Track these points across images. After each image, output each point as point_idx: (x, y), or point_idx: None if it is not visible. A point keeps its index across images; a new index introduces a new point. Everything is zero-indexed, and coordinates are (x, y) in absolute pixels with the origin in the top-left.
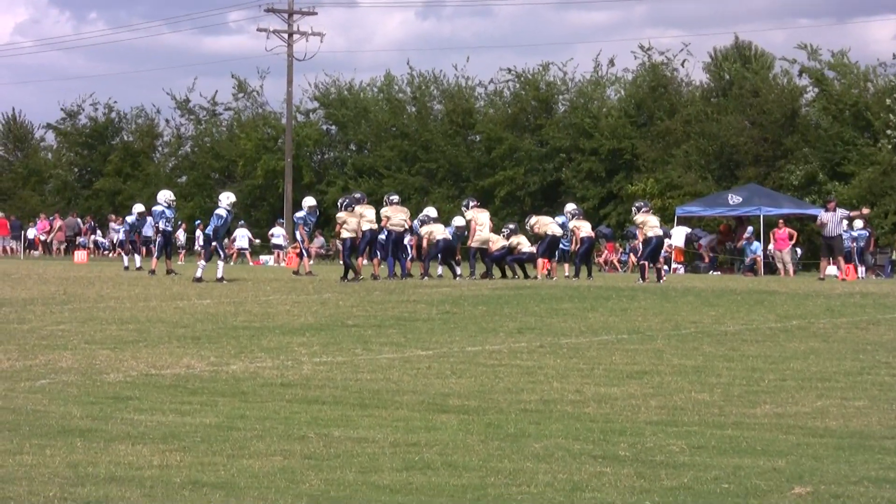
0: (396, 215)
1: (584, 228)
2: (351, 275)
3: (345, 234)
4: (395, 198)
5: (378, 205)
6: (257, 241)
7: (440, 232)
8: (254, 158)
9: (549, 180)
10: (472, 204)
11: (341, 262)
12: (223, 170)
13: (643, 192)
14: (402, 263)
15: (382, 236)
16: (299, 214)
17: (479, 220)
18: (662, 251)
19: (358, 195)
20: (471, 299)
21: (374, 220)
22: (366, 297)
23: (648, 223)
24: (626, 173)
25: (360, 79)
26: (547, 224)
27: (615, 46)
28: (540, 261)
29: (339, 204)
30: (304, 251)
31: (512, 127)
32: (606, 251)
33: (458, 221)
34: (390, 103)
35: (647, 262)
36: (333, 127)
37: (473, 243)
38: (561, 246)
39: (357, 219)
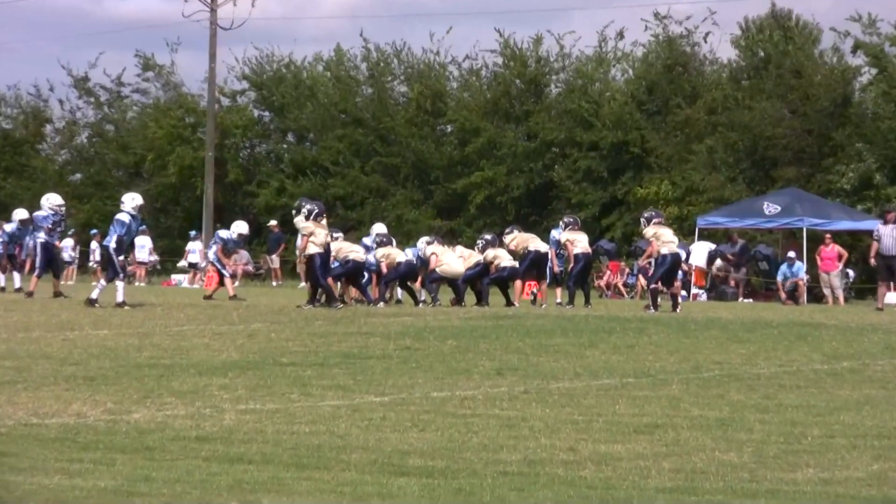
0: (349, 245)
1: (580, 243)
2: (322, 296)
3: (312, 250)
4: (340, 235)
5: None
6: (156, 257)
7: (400, 255)
8: (166, 151)
9: (538, 182)
10: (437, 240)
11: (305, 284)
12: (130, 165)
13: (656, 197)
14: (363, 289)
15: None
16: (223, 235)
17: (443, 257)
18: (679, 272)
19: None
20: (437, 332)
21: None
22: (304, 329)
23: (662, 237)
24: (634, 173)
25: (302, 53)
26: (527, 240)
27: (620, 16)
28: (518, 283)
29: (305, 212)
30: (223, 273)
31: (492, 115)
32: (609, 272)
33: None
34: (340, 83)
35: (659, 286)
36: (267, 112)
37: (441, 273)
38: (557, 266)
39: (326, 230)
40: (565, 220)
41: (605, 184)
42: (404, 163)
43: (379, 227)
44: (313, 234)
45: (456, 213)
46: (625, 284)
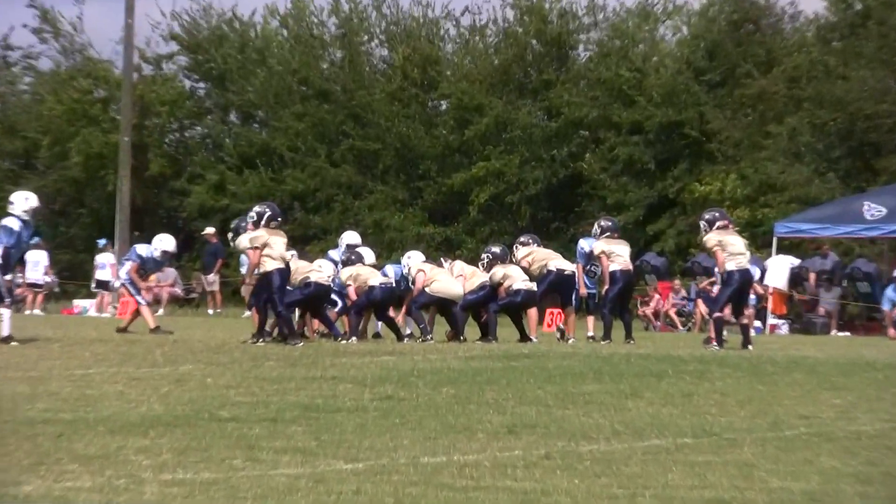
0: (307, 265)
1: (619, 256)
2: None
3: (269, 265)
4: (293, 252)
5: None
6: (53, 278)
7: (374, 276)
8: (67, 134)
9: (562, 176)
10: (418, 258)
11: (249, 312)
12: (19, 153)
13: (719, 196)
14: (327, 321)
15: None
16: (142, 252)
17: (433, 274)
18: (752, 296)
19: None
20: (429, 376)
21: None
22: (251, 372)
23: (728, 248)
24: (690, 165)
25: (250, 5)
26: (546, 258)
27: None
28: (533, 311)
29: (253, 216)
30: (139, 300)
31: (501, 87)
32: (657, 296)
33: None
34: (300, 45)
35: (725, 315)
36: (203, 83)
37: (432, 294)
38: (587, 288)
39: (284, 239)
40: (602, 223)
41: (651, 178)
42: (385, 150)
43: (350, 237)
44: (268, 245)
45: (453, 217)
46: (679, 313)
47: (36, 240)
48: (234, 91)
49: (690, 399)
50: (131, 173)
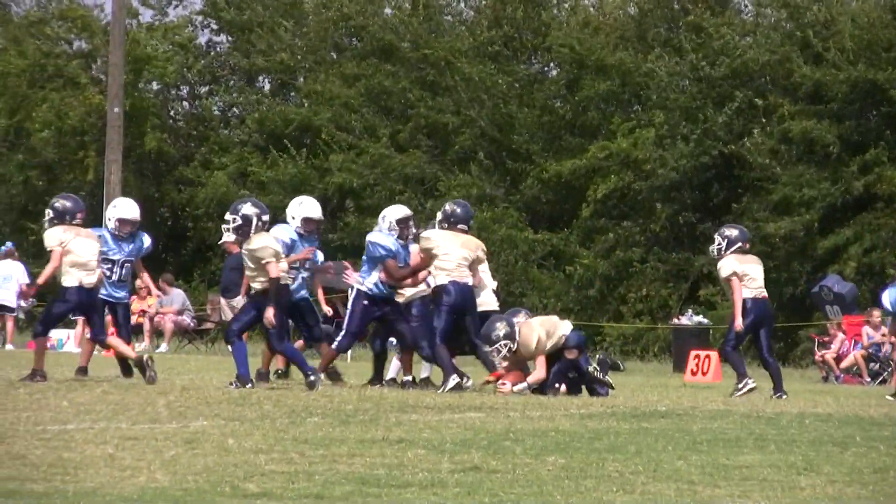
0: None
1: (753, 280)
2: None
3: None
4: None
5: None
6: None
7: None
8: (30, 100)
9: (714, 155)
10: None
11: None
12: None
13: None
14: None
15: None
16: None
17: (446, 250)
18: None
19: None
20: (530, 440)
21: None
22: (289, 432)
23: None
24: (891, 147)
25: None
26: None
27: None
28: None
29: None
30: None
31: (635, 39)
32: (842, 335)
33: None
34: None
35: None
36: (223, 36)
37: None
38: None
39: (94, 245)
40: (726, 233)
41: (833, 167)
42: (468, 127)
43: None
44: (70, 252)
45: (563, 220)
46: (870, 357)
47: (8, 246)
48: (262, 48)
49: (885, 476)
50: (122, 157)
